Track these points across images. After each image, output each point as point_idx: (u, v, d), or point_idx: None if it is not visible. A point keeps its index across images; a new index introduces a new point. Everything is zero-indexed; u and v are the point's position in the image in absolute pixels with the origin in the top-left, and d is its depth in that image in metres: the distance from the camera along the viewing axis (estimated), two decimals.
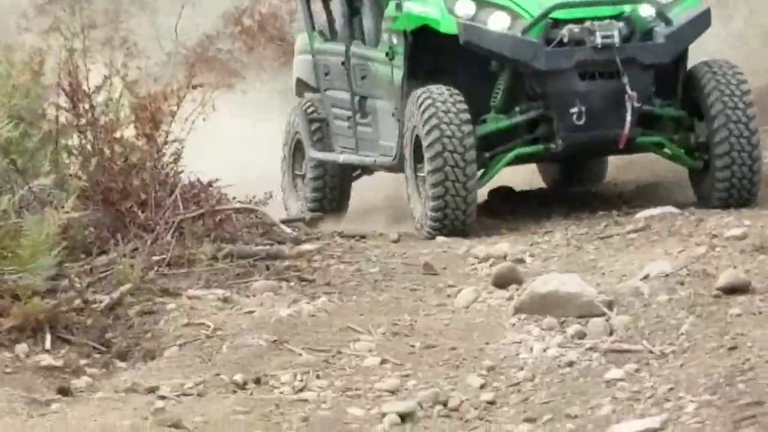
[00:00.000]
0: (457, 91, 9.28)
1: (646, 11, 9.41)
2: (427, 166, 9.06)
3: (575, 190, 11.18)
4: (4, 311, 7.09)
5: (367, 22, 11.09)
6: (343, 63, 11.14)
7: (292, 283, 8.64)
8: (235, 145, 14.30)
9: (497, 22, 9.16)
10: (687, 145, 9.57)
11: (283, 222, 9.92)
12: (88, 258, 8.11)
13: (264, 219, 9.53)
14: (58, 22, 8.71)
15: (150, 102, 8.21)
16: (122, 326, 7.42)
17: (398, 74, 9.92)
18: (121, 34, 9.05)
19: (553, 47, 9.23)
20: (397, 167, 10.64)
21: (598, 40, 9.00)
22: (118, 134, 8.56)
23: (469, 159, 8.92)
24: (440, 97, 8.96)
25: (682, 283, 7.96)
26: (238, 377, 6.57)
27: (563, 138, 9.35)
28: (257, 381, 6.54)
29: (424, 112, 9.01)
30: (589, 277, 8.27)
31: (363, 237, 10.65)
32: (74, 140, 8.78)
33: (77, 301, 7.47)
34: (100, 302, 7.51)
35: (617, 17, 9.31)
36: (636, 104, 9.02)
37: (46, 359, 6.89)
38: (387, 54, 10.14)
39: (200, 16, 20.96)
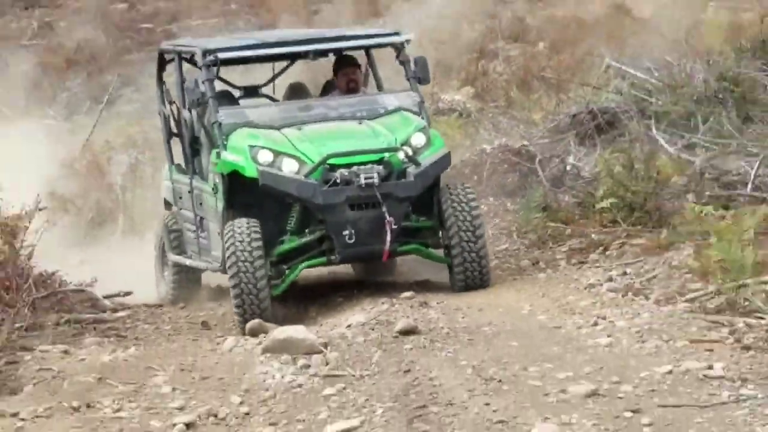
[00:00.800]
0: (255, 223, 10.56)
1: (401, 156, 10.74)
2: (229, 283, 10.44)
3: (374, 279, 12.43)
4: None
5: (204, 162, 12.22)
6: (189, 191, 12.44)
7: (111, 338, 10.22)
8: None
9: (288, 167, 10.51)
10: (438, 245, 11.00)
11: (106, 297, 11.22)
12: None
13: (91, 295, 10.90)
14: None
15: (9, 222, 9.68)
16: None
17: (220, 205, 11.14)
18: None
19: (329, 186, 10.49)
20: (222, 271, 11.51)
21: (362, 181, 10.40)
22: None
23: (260, 277, 10.20)
24: (239, 230, 10.29)
25: (372, 329, 9.50)
26: (75, 403, 8.01)
27: (340, 253, 10.76)
28: (88, 405, 8.00)
29: (227, 242, 10.39)
30: (312, 327, 9.82)
31: (160, 306, 12.12)
32: None
33: None
34: None
35: (378, 162, 10.60)
36: (393, 227, 10.43)
37: None
38: (213, 189, 11.40)
39: None
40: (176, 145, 13.92)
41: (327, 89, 12.56)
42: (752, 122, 13.15)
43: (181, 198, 12.70)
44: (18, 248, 9.63)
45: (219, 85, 12.80)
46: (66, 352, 9.06)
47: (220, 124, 11.05)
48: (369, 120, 11.13)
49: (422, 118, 11.43)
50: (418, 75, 11.68)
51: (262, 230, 10.48)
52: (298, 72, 13.58)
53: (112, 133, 19.00)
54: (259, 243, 10.29)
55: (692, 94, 13.85)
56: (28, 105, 22.89)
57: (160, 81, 13.44)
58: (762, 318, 8.53)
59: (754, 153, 12.06)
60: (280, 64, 13.90)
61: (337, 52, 12.92)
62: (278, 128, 11.02)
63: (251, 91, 13.25)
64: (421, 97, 11.68)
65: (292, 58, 13.22)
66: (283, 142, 10.76)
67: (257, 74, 14.53)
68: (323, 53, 12.94)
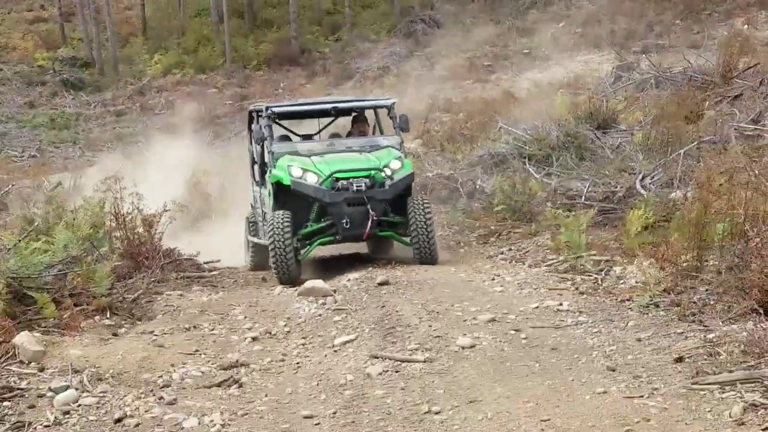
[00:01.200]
0: (288, 214, 10.24)
1: (382, 174, 10.50)
2: (270, 252, 10.12)
3: (376, 256, 11.82)
4: (92, 303, 7.91)
5: (266, 177, 11.71)
6: (259, 196, 12.09)
7: (207, 287, 10.07)
8: None
9: (311, 178, 10.33)
10: (406, 233, 10.60)
11: (205, 263, 11.33)
12: (123, 281, 8.93)
13: (196, 262, 10.91)
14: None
15: (148, 218, 9.83)
16: (139, 307, 8.49)
17: (271, 203, 10.85)
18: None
19: (335, 191, 10.28)
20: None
21: (354, 188, 10.20)
22: (136, 230, 9.98)
23: (288, 249, 9.87)
24: (277, 218, 10.01)
25: (362, 282, 9.44)
26: (186, 325, 7.91)
27: (340, 234, 10.44)
28: (194, 327, 7.89)
29: (269, 225, 10.16)
30: (327, 281, 9.46)
31: (237, 268, 11.86)
32: (117, 234, 9.91)
33: (119, 297, 8.41)
34: (129, 298, 8.54)
35: (367, 177, 10.39)
36: (375, 218, 10.24)
37: (107, 321, 7.77)
38: (268, 193, 11.12)
39: None
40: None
41: (348, 135, 12.51)
42: (584, 160, 13.00)
43: (255, 201, 12.57)
44: (153, 233, 9.73)
45: (281, 132, 12.88)
46: (181, 295, 8.97)
47: (272, 152, 11.06)
48: (366, 152, 11.14)
49: (400, 152, 11.37)
50: (401, 125, 11.64)
51: (294, 219, 10.34)
52: (340, 126, 13.31)
53: (209, 163, 18.09)
54: (289, 227, 10.11)
55: (549, 144, 13.74)
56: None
57: (249, 129, 13.19)
58: (590, 276, 8.56)
59: (585, 179, 12.01)
60: (326, 120, 13.62)
61: (351, 111, 12.78)
62: (309, 156, 10.94)
63: (306, 137, 13.14)
64: (402, 139, 11.73)
65: (323, 115, 13.01)
66: (309, 163, 10.68)
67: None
68: (343, 112, 12.84)
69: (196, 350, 7.03)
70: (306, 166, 10.62)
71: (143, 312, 8.31)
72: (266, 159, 11.48)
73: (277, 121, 12.55)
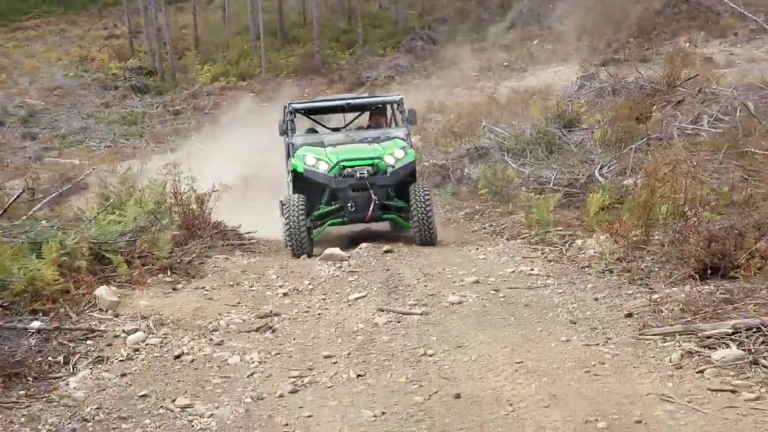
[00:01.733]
0: (302, 198, 9.70)
1: (385, 162, 9.82)
2: (284, 229, 9.58)
3: (391, 233, 11.33)
4: (156, 264, 7.92)
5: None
6: (287, 181, 11.31)
7: (247, 253, 9.88)
8: None
9: (322, 166, 9.72)
10: (407, 218, 9.86)
11: (245, 233, 10.92)
12: (180, 246, 8.84)
13: (239, 232, 10.64)
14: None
15: (200, 197, 9.82)
16: (193, 268, 8.39)
17: (291, 188, 10.49)
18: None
19: (341, 178, 9.68)
20: None
21: (358, 175, 9.58)
22: (191, 206, 9.84)
23: (302, 228, 9.33)
24: (293, 200, 9.51)
25: (371, 250, 9.32)
26: (231, 283, 7.84)
27: (347, 216, 9.78)
28: (237, 284, 7.78)
29: (285, 207, 9.58)
30: (344, 250, 9.24)
31: (269, 239, 11.27)
32: (175, 209, 9.80)
33: (177, 260, 8.34)
34: (185, 260, 8.45)
35: (370, 164, 9.74)
36: (377, 202, 9.58)
37: (168, 278, 7.81)
38: (289, 180, 10.75)
39: None
40: None
41: (366, 127, 11.84)
42: (553, 153, 12.98)
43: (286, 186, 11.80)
44: (204, 209, 9.66)
45: (310, 125, 12.47)
46: (226, 258, 8.89)
47: (293, 144, 10.59)
48: (375, 143, 10.43)
49: (407, 142, 10.61)
50: (409, 119, 10.90)
51: (308, 202, 9.72)
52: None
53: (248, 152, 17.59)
54: (303, 209, 9.53)
55: (524, 140, 13.70)
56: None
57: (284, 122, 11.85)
58: (557, 247, 8.53)
59: (553, 168, 11.95)
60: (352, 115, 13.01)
61: (363, 107, 12.28)
62: (324, 146, 10.28)
63: (336, 130, 12.22)
64: (409, 131, 11.01)
65: (337, 110, 12.20)
66: (322, 153, 10.04)
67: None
68: (355, 107, 12.19)
69: (239, 302, 7.01)
70: (319, 156, 10.00)
71: (196, 271, 8.24)
72: (289, 149, 10.88)
73: (308, 116, 12.11)
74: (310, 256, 9.45)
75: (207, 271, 8.34)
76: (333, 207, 9.94)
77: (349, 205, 9.71)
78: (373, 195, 9.65)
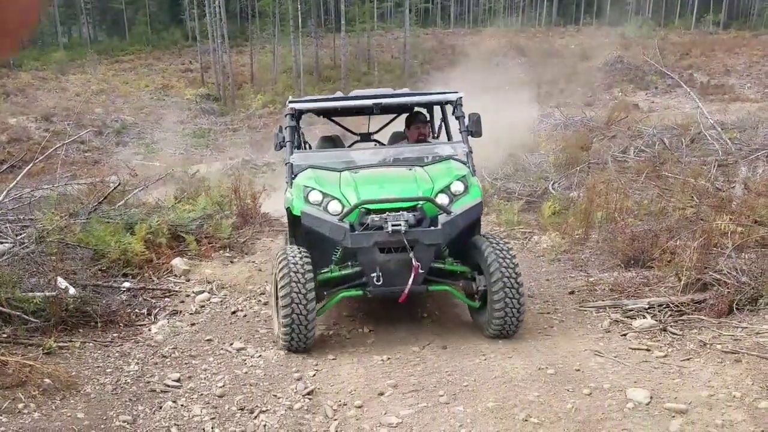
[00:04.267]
0: (306, 253, 4.68)
1: (436, 204, 4.65)
2: (280, 303, 4.49)
3: None
4: (218, 242, 7.60)
5: None
6: None
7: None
8: None
9: (333, 207, 4.73)
10: (470, 290, 4.87)
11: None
12: (237, 230, 8.32)
13: (281, 221, 9.32)
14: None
15: (254, 193, 9.12)
16: (246, 246, 7.93)
17: (287, 233, 5.55)
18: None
19: (363, 230, 4.57)
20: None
21: (390, 228, 4.45)
22: (246, 200, 9.03)
23: (310, 299, 4.44)
24: (291, 258, 4.59)
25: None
26: (264, 262, 8.42)
27: (371, 291, 4.68)
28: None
29: (280, 265, 4.53)
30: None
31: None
32: (235, 202, 8.87)
33: (234, 240, 7.90)
34: (241, 241, 7.96)
35: (411, 208, 4.63)
36: (420, 271, 4.55)
37: (227, 254, 7.40)
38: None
39: None
40: None
41: (396, 138, 6.34)
42: (518, 171, 12.75)
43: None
44: (256, 203, 9.19)
45: (326, 131, 7.31)
46: (272, 240, 8.57)
47: (291, 164, 5.47)
48: (419, 167, 5.16)
49: (468, 167, 5.26)
50: (472, 129, 5.52)
51: (312, 258, 4.78)
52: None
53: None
54: (311, 275, 4.52)
55: (497, 160, 13.54)
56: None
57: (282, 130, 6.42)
58: (519, 240, 8.48)
59: (518, 182, 11.78)
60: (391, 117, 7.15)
61: (400, 108, 6.36)
62: (340, 171, 5.17)
63: (365, 137, 7.13)
64: (470, 148, 5.46)
65: (360, 112, 6.33)
66: (333, 185, 4.96)
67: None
68: (389, 109, 6.27)
69: None
70: (328, 189, 4.91)
71: (249, 249, 7.95)
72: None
73: (329, 119, 6.83)
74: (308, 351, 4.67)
75: (257, 249, 8.08)
76: (349, 270, 4.83)
77: (373, 275, 4.65)
78: (414, 260, 4.56)
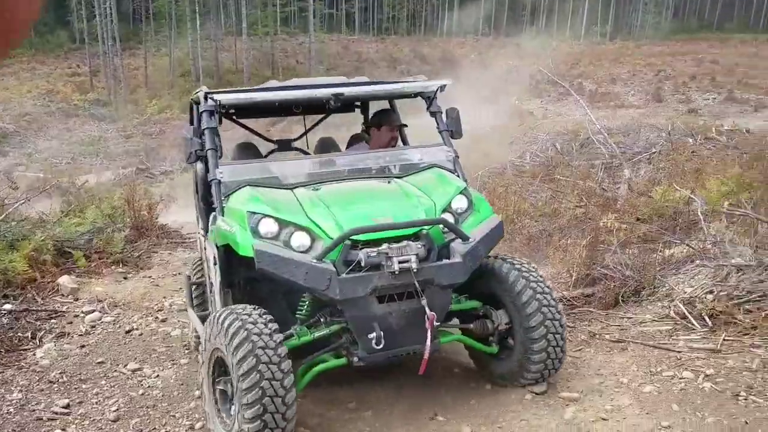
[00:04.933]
0: (264, 311, 3.10)
1: (444, 228, 3.38)
2: (240, 390, 2.82)
3: None
4: (110, 257, 7.09)
5: None
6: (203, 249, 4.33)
7: (188, 249, 8.36)
8: None
9: (298, 241, 3.17)
10: (484, 331, 3.56)
11: (187, 233, 9.22)
12: (131, 243, 7.84)
13: (181, 233, 9.34)
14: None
15: (150, 205, 8.66)
16: (141, 261, 7.51)
17: (217, 281, 3.57)
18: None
19: (349, 271, 3.09)
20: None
21: (395, 267, 3.05)
22: (141, 212, 8.50)
23: (288, 385, 2.86)
24: (252, 322, 2.96)
25: None
26: (174, 273, 7.19)
27: (364, 357, 3.17)
28: (179, 273, 7.01)
29: (235, 335, 2.90)
30: None
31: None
32: (129, 213, 8.43)
33: (128, 254, 7.44)
34: (135, 255, 7.56)
35: (413, 236, 3.22)
36: (435, 323, 3.10)
37: (120, 270, 7.00)
38: (213, 258, 3.61)
39: None
40: None
41: (352, 142, 4.75)
42: None
43: (202, 249, 4.41)
44: (152, 214, 8.79)
45: (243, 137, 5.17)
46: (170, 253, 8.26)
47: (219, 182, 3.58)
48: (398, 178, 3.74)
49: (458, 176, 3.82)
50: (451, 127, 4.06)
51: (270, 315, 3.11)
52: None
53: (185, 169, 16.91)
54: (280, 337, 2.99)
55: None
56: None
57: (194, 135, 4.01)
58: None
59: None
60: (314, 119, 5.39)
61: (367, 100, 4.93)
62: (291, 188, 3.54)
63: (284, 145, 5.24)
64: (455, 152, 3.99)
65: (313, 109, 4.90)
66: (293, 209, 3.31)
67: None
68: (349, 102, 4.76)
69: (180, 288, 6.57)
70: (288, 215, 3.29)
71: (144, 264, 7.59)
72: (212, 192, 3.65)
73: (234, 119, 4.90)
74: None
75: (154, 264, 7.71)
76: (325, 331, 3.33)
77: (372, 337, 3.16)
78: (428, 309, 3.12)
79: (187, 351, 4.85)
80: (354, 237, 3.17)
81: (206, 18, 40.95)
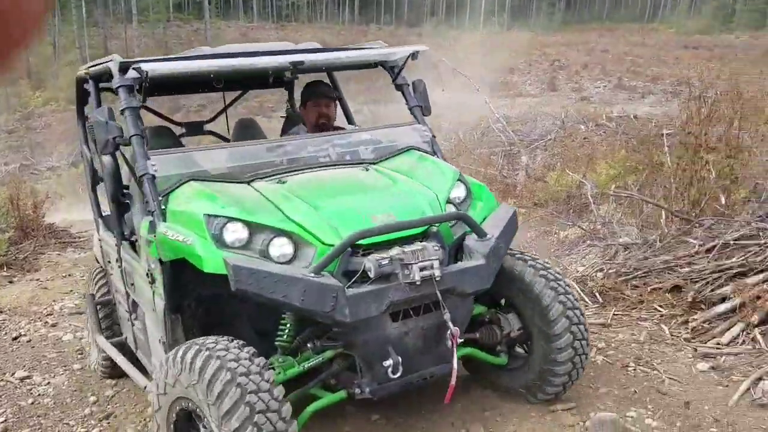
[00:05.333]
0: (241, 342, 2.29)
1: (452, 221, 2.70)
2: None
3: None
4: None
5: (136, 225, 2.95)
6: (117, 259, 3.27)
7: (78, 249, 8.16)
8: None
9: (278, 251, 2.34)
10: (492, 340, 2.91)
11: (77, 232, 9.03)
12: (16, 245, 7.52)
13: (70, 232, 9.05)
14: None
15: (36, 203, 8.41)
16: (28, 263, 7.27)
17: (160, 304, 2.58)
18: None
19: (353, 285, 2.32)
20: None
21: (416, 276, 2.31)
22: (27, 212, 8.05)
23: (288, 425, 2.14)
24: (229, 356, 2.16)
25: None
26: (64, 274, 6.88)
27: (372, 390, 2.43)
28: (69, 275, 6.75)
29: (212, 381, 2.10)
30: None
31: None
32: (13, 214, 7.95)
33: (13, 257, 7.13)
34: (21, 257, 7.17)
35: (423, 235, 2.53)
36: (459, 340, 2.43)
37: (4, 273, 6.80)
38: (147, 275, 2.65)
39: None
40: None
41: (288, 125, 3.97)
42: None
43: (109, 262, 3.57)
44: (38, 214, 8.35)
45: (155, 121, 4.28)
46: (59, 254, 7.93)
47: (153, 177, 2.55)
48: (372, 164, 2.95)
49: (439, 159, 3.11)
50: (421, 103, 3.38)
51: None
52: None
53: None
54: (270, 375, 2.19)
55: None
56: None
57: (81, 115, 3.96)
58: None
59: None
60: (230, 97, 4.46)
61: (310, 71, 3.58)
62: (247, 182, 2.64)
63: (196, 128, 4.33)
64: (431, 131, 3.29)
65: (264, 78, 3.74)
66: (264, 208, 2.45)
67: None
68: (304, 72, 3.37)
69: (71, 290, 6.37)
70: (259, 217, 2.44)
71: (31, 266, 7.26)
72: (143, 190, 2.66)
73: (152, 96, 3.56)
74: None
75: (41, 266, 7.40)
76: (318, 360, 2.56)
77: (387, 364, 2.44)
78: (451, 324, 2.44)
79: (80, 356, 4.64)
80: (363, 241, 2.45)
81: (93, 4, 38.67)
